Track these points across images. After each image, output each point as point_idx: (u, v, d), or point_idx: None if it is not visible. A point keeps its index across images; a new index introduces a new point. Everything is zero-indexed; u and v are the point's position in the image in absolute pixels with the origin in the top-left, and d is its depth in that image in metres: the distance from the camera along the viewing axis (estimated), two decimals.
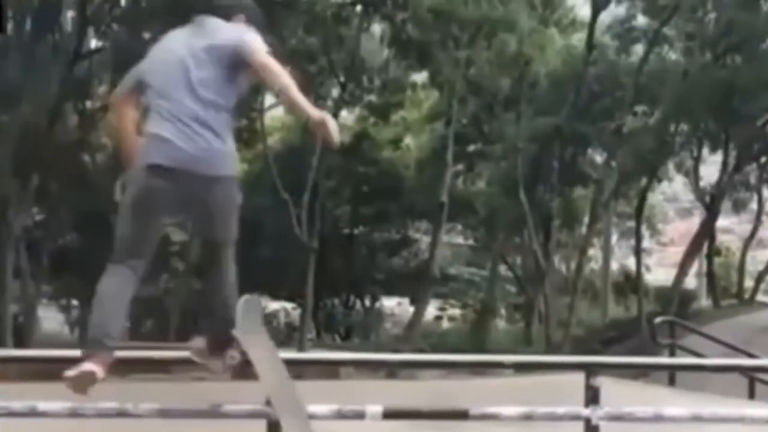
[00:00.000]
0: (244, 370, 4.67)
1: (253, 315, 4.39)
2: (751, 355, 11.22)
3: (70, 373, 4.27)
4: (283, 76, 4.23)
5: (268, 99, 30.35)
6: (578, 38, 29.45)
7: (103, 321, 4.31)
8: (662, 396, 9.00)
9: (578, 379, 5.45)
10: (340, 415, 4.93)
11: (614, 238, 37.66)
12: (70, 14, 25.13)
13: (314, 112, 4.20)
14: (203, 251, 4.61)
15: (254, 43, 4.31)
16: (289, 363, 4.68)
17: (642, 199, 31.23)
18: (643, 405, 5.37)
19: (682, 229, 41.25)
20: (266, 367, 4.44)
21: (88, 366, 4.23)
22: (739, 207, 35.40)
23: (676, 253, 36.27)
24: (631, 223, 33.52)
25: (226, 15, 4.52)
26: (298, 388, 4.52)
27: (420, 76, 29.44)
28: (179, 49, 4.39)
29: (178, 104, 4.26)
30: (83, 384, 4.25)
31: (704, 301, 35.61)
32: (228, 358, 4.52)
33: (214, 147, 4.27)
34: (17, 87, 21.61)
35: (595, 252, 35.21)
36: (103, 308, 4.34)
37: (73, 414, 5.14)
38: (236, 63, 4.31)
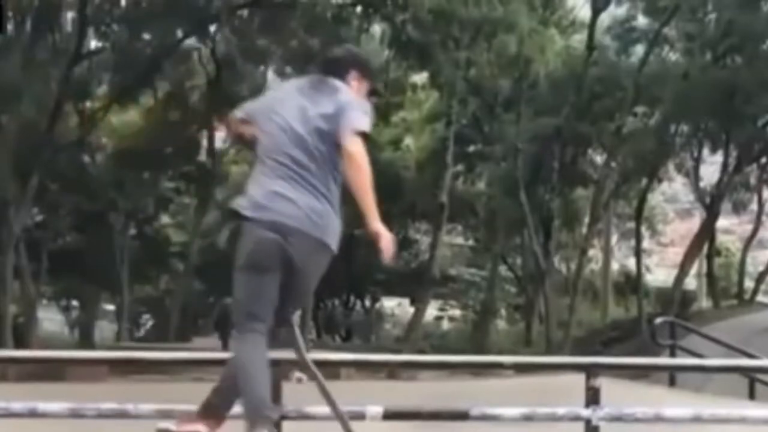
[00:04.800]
0: None
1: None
2: (751, 356, 11.21)
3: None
4: (361, 174, 4.20)
5: None
6: (578, 39, 29.46)
7: (262, 394, 4.18)
8: (662, 396, 9.00)
9: (578, 379, 5.45)
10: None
11: (614, 238, 37.67)
12: (70, 14, 25.13)
13: (374, 224, 4.19)
14: (276, 313, 4.35)
15: (354, 124, 4.26)
16: (290, 364, 4.68)
17: (642, 199, 31.23)
18: (643, 406, 5.37)
19: (682, 229, 41.26)
20: None
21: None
22: (739, 208, 35.38)
23: (676, 253, 36.28)
24: (631, 224, 33.52)
25: (340, 71, 4.49)
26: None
27: (420, 77, 29.44)
28: (294, 110, 4.34)
29: (292, 165, 4.23)
30: None
31: (704, 302, 35.61)
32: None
33: (323, 210, 4.24)
34: (17, 87, 21.60)
35: (595, 252, 35.21)
36: (255, 381, 4.20)
37: (74, 414, 5.14)
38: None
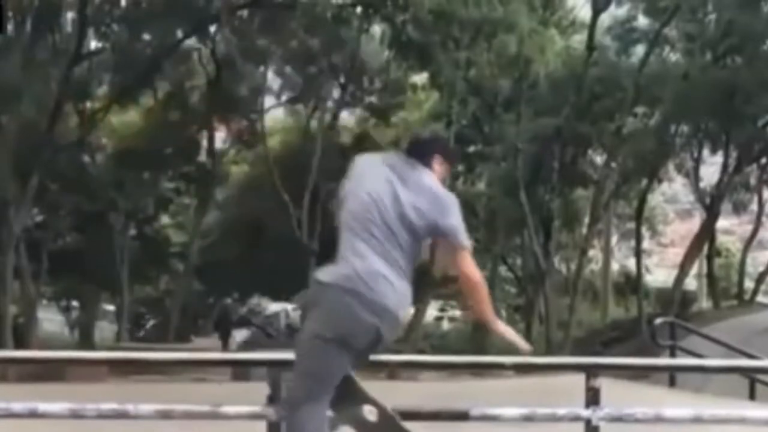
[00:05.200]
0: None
1: None
2: (751, 356, 11.21)
3: None
4: (481, 293, 4.41)
5: (268, 100, 30.40)
6: (578, 39, 29.42)
7: None
8: (662, 397, 9.00)
9: (579, 380, 5.45)
10: None
11: (614, 239, 37.66)
12: (70, 15, 25.15)
13: (499, 328, 4.58)
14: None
15: (463, 239, 4.38)
16: (291, 364, 4.67)
17: (642, 200, 31.22)
18: (643, 406, 5.37)
19: (682, 230, 41.26)
20: None
21: None
22: (739, 208, 35.36)
23: (676, 254, 36.26)
24: (632, 224, 33.51)
25: (425, 155, 4.54)
26: None
27: (420, 78, 29.45)
28: (385, 186, 4.36)
29: (385, 243, 4.27)
30: None
31: (705, 302, 35.59)
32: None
33: (409, 292, 4.34)
34: (17, 87, 21.61)
35: (595, 253, 35.19)
36: None
37: (74, 415, 5.14)
38: (434, 236, 4.39)
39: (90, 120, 27.58)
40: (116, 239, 29.63)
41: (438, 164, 4.55)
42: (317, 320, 4.26)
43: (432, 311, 34.57)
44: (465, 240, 4.37)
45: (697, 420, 5.39)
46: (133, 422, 5.18)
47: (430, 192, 4.36)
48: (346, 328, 4.20)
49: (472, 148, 31.84)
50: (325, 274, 4.32)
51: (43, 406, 5.12)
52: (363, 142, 33.15)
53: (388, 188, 4.32)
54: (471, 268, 4.36)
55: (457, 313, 37.49)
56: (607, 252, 35.60)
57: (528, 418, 5.25)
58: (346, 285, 4.19)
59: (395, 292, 4.22)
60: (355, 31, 25.45)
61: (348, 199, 4.38)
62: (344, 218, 4.36)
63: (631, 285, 33.26)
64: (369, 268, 4.21)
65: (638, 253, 31.53)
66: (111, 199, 29.27)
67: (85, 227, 30.82)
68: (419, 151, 4.54)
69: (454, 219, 4.37)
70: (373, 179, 4.37)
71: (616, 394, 5.74)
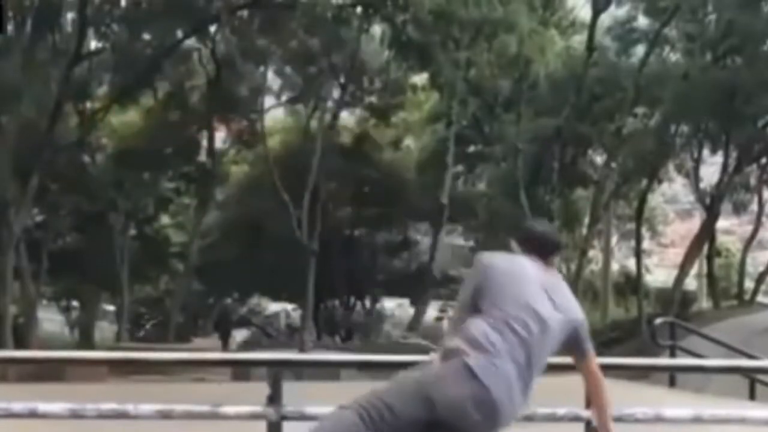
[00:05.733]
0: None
1: None
2: (751, 357, 11.21)
3: None
4: (605, 389, 4.53)
5: (268, 100, 30.41)
6: (578, 40, 29.46)
7: None
8: (663, 397, 9.00)
9: (578, 380, 5.44)
10: None
11: (614, 239, 37.64)
12: (70, 15, 25.16)
13: (609, 427, 4.55)
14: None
15: (591, 347, 4.46)
16: (291, 364, 4.68)
17: (642, 200, 31.21)
18: (643, 406, 5.37)
19: (682, 230, 41.24)
20: None
21: None
22: (739, 208, 35.35)
23: (677, 254, 36.26)
24: (632, 225, 33.49)
25: (554, 255, 4.55)
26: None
27: (420, 78, 29.47)
28: (540, 299, 4.23)
29: (527, 355, 4.11)
30: None
31: (705, 302, 35.58)
32: None
33: (519, 409, 4.15)
34: (17, 87, 21.61)
35: (595, 253, 35.19)
36: None
37: (74, 415, 5.14)
38: (565, 340, 4.37)
39: (90, 120, 27.59)
40: (116, 239, 29.62)
41: (555, 260, 4.59)
42: (429, 371, 4.03)
43: (432, 311, 34.56)
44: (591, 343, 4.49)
45: (697, 420, 5.40)
46: (133, 422, 5.19)
47: (576, 307, 4.38)
48: (441, 399, 3.92)
49: (472, 149, 31.85)
50: (461, 346, 4.06)
51: (43, 406, 5.12)
52: (363, 142, 33.20)
53: (544, 300, 4.21)
54: (598, 367, 4.48)
55: None
56: (607, 252, 35.58)
57: (528, 418, 5.25)
58: (475, 369, 3.95)
59: (511, 403, 4.02)
60: (355, 31, 25.46)
61: (498, 295, 4.19)
62: (494, 314, 4.12)
63: (631, 285, 33.24)
64: (500, 366, 4.00)
65: (638, 253, 31.51)
66: (111, 199, 29.26)
67: (85, 227, 30.82)
68: (551, 252, 4.52)
69: (587, 328, 4.45)
70: (528, 284, 4.25)
71: (616, 394, 5.74)
